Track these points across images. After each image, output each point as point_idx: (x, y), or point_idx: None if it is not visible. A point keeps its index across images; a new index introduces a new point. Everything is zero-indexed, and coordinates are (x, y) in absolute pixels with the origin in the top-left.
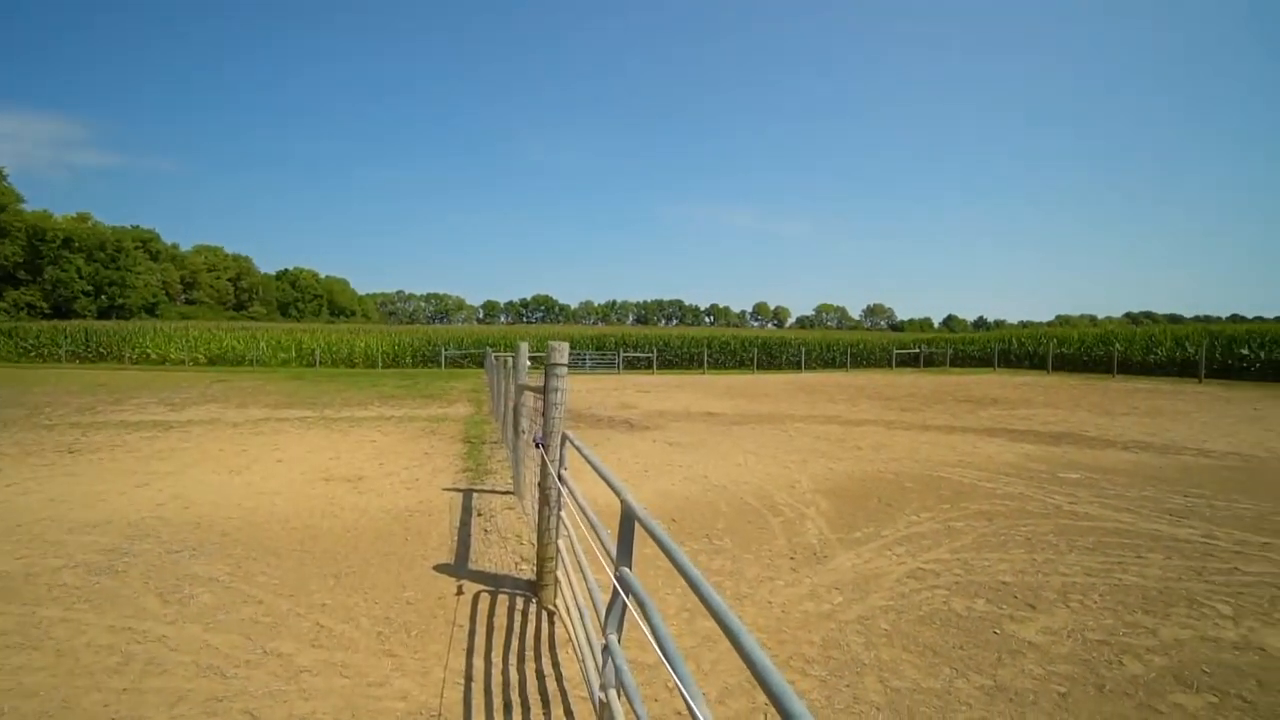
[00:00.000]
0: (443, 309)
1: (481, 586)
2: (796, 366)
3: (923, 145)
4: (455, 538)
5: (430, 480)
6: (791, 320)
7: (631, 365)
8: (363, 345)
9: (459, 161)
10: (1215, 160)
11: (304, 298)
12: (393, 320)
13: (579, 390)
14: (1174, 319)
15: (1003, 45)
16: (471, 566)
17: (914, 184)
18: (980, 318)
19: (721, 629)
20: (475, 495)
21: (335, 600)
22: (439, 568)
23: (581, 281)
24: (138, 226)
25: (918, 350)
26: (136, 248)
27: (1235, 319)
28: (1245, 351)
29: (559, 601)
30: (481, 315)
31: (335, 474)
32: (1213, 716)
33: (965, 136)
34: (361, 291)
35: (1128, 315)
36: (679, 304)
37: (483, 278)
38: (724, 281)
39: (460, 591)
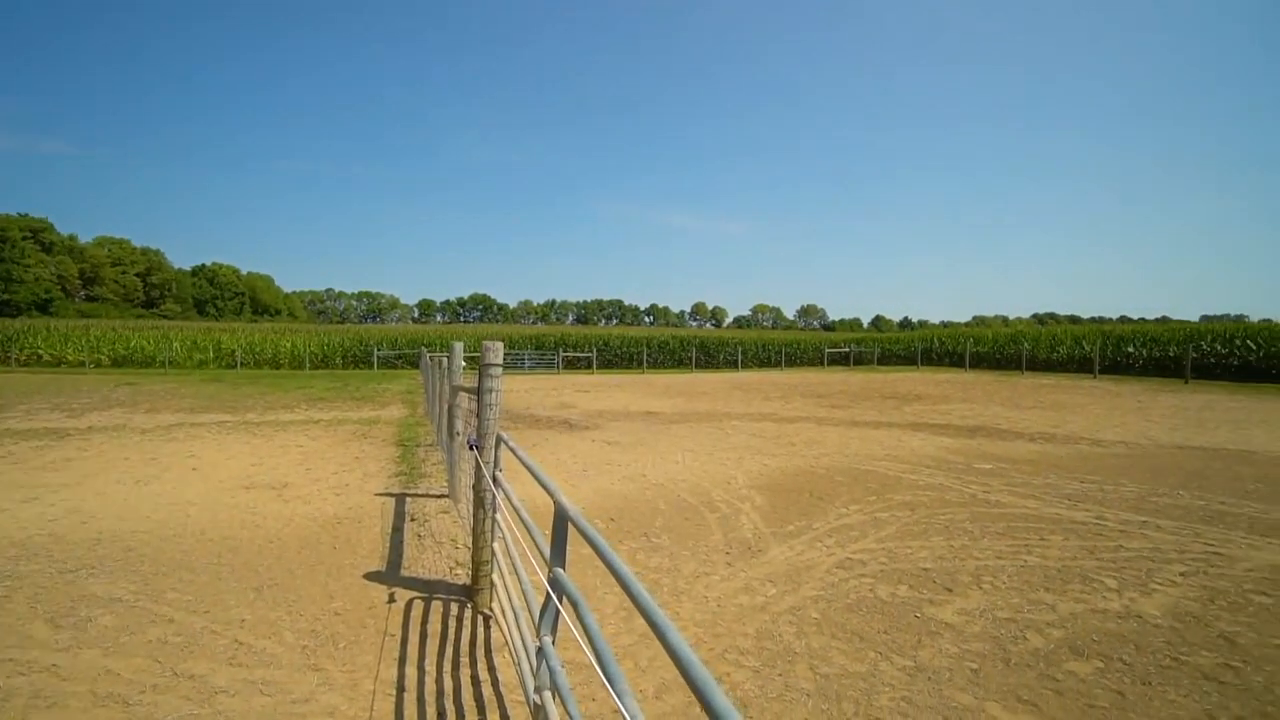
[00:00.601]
0: (375, 308)
1: (415, 593)
2: (733, 365)
3: (853, 150)
4: (387, 544)
5: (361, 485)
6: (729, 320)
7: (571, 365)
8: (289, 345)
9: (393, 156)
10: (1109, 174)
11: (223, 295)
12: (322, 320)
13: (518, 390)
14: (1074, 319)
15: (932, 52)
16: (404, 573)
17: (844, 188)
18: (906, 318)
19: (649, 625)
20: (409, 500)
21: (256, 615)
22: (370, 576)
23: (520, 281)
24: (26, 215)
25: (848, 349)
26: (25, 238)
27: (1123, 320)
28: (1131, 349)
29: (495, 605)
30: (417, 315)
31: (257, 481)
32: (1099, 680)
33: (891, 145)
34: (287, 289)
35: (1035, 316)
36: (618, 304)
37: (418, 276)
38: (663, 282)
39: (392, 599)
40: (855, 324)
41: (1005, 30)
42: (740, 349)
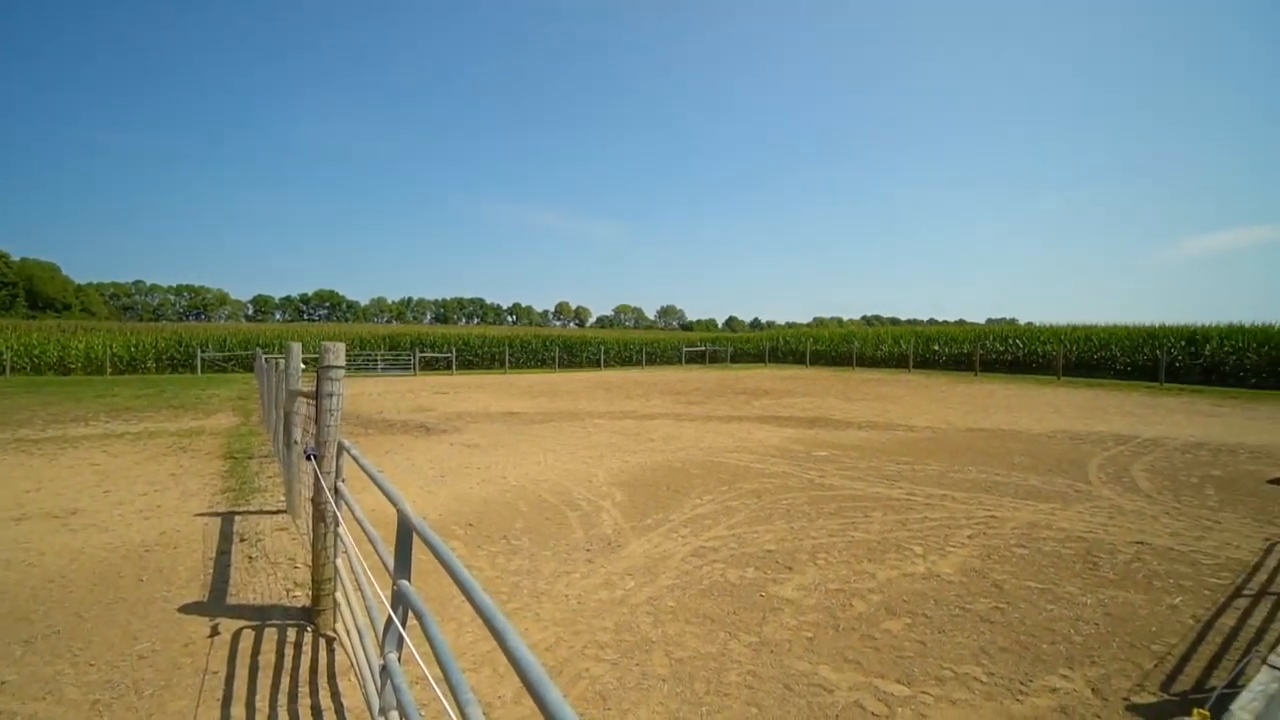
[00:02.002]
0: (199, 304)
1: (244, 622)
2: (596, 365)
3: (704, 156)
4: (210, 570)
5: (179, 506)
6: (592, 320)
7: (429, 366)
8: (82, 347)
9: (217, 133)
10: (933, 187)
11: None
12: (129, 316)
13: (370, 394)
14: (894, 321)
15: (786, 57)
16: (231, 601)
17: (701, 192)
18: (756, 319)
19: (489, 629)
20: (238, 518)
21: (25, 674)
22: (187, 608)
23: (374, 278)
24: None
25: (704, 348)
26: None
27: (931, 321)
28: (936, 348)
29: (339, 626)
30: (251, 312)
31: (32, 510)
32: (907, 634)
33: (739, 155)
34: (79, 280)
35: (864, 318)
36: (480, 303)
37: (253, 269)
38: (527, 281)
39: (215, 632)
40: (711, 324)
41: (877, 46)
42: (603, 348)
